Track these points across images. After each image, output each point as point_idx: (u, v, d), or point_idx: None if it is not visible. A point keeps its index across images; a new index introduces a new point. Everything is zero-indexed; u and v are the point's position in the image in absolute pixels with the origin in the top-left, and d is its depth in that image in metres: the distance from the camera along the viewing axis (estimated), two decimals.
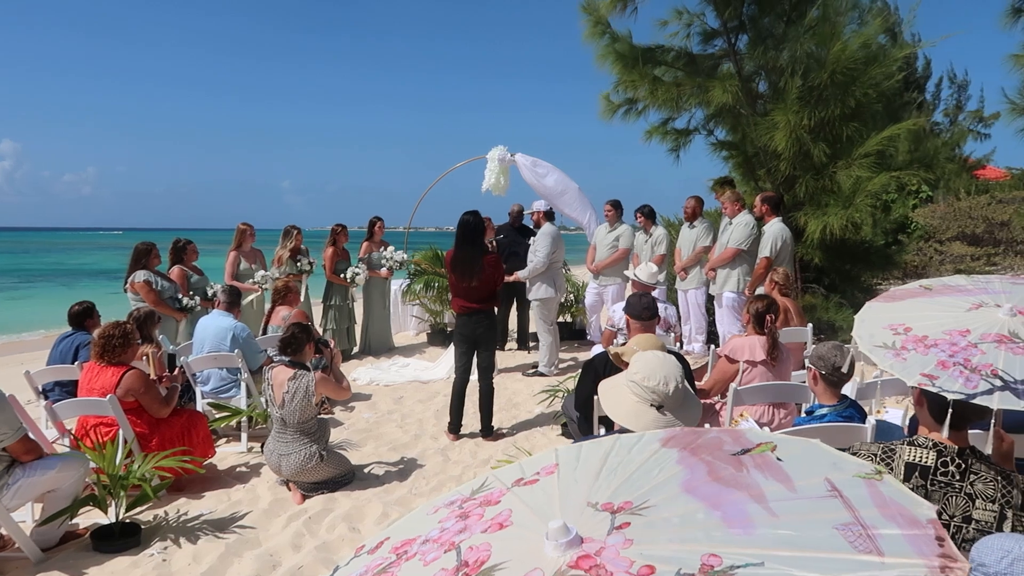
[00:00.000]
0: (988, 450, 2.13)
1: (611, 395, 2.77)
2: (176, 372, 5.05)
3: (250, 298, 8.00)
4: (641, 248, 8.42)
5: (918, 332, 2.22)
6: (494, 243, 8.36)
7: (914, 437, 2.19)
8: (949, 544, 0.95)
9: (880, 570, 0.91)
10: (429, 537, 1.19)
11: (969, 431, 2.16)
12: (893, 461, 2.14)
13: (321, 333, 7.84)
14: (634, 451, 1.32)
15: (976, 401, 1.96)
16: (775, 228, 6.90)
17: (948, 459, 2.10)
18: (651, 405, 2.59)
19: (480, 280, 5.47)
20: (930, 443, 2.13)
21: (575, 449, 1.42)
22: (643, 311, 4.13)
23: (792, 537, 0.98)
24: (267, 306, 7.56)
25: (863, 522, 0.99)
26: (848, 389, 3.67)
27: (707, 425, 2.55)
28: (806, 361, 5.37)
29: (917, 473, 2.11)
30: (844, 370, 3.29)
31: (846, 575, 0.91)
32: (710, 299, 7.93)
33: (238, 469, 5.09)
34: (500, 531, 1.13)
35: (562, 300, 8.63)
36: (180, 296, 7.06)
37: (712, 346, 5.74)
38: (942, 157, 10.37)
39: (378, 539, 1.33)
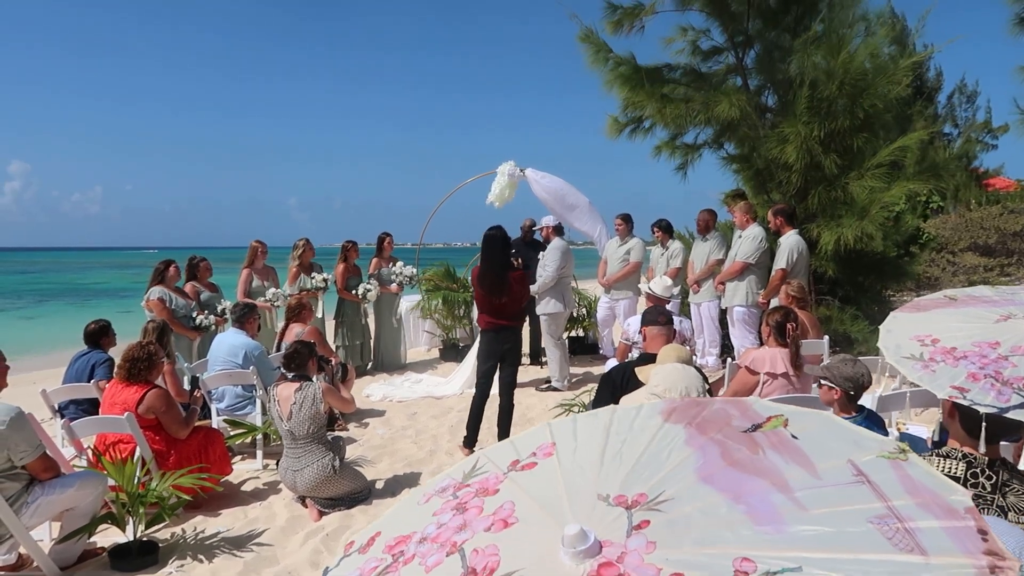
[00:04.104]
0: (1022, 465, 2.10)
1: None
2: (196, 394, 5.08)
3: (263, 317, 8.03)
4: (657, 261, 8.47)
5: (946, 344, 2.19)
6: (520, 259, 8.38)
7: (942, 448, 2.17)
8: (993, 539, 0.89)
9: (926, 572, 0.85)
10: (426, 535, 1.10)
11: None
12: None
13: (334, 350, 7.85)
14: (636, 426, 1.24)
15: (1009, 415, 1.93)
16: (791, 240, 6.87)
17: (978, 470, 2.07)
18: None
19: (509, 296, 5.46)
20: (959, 454, 2.11)
21: (570, 423, 1.32)
22: (659, 316, 4.18)
23: (827, 535, 0.91)
24: (279, 324, 7.57)
25: (898, 514, 0.92)
26: (868, 401, 3.64)
27: None
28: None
29: None
30: (865, 383, 3.28)
31: None
32: (724, 312, 7.90)
33: (254, 486, 5.08)
34: (506, 530, 1.04)
35: (571, 314, 8.61)
36: (194, 315, 7.08)
37: (728, 358, 5.71)
38: (952, 167, 10.32)
39: (368, 534, 1.23)
